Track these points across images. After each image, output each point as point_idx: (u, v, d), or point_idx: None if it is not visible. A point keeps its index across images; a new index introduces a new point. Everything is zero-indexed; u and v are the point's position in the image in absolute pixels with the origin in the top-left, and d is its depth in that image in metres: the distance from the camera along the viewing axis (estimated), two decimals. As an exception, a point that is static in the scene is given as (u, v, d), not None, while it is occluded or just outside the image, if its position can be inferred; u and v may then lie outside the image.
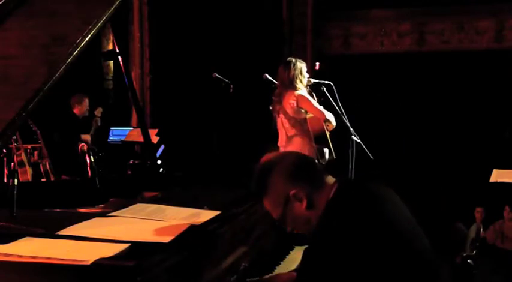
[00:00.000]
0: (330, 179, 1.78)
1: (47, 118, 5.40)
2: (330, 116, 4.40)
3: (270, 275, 2.13)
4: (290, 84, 4.45)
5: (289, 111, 4.48)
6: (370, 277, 1.55)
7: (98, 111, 6.48)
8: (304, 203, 1.73)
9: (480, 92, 6.74)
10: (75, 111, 6.27)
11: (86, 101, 6.35)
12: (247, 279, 2.02)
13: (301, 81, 4.48)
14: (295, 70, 4.46)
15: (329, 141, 4.50)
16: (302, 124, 4.50)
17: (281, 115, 4.56)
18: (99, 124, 6.48)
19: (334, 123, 4.42)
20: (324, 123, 4.42)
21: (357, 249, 1.56)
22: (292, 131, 4.52)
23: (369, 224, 1.60)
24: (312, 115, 4.47)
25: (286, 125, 4.54)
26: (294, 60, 4.53)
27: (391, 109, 6.99)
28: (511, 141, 6.56)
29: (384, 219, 1.64)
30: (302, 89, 4.48)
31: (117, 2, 2.41)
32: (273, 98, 4.63)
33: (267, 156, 1.86)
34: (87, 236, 1.72)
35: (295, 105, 4.44)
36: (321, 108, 4.43)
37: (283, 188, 1.75)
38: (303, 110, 4.49)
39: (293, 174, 1.75)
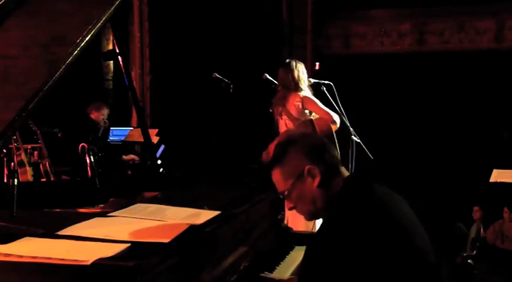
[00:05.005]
0: (344, 172, 1.86)
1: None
2: (336, 117, 4.36)
3: (282, 278, 2.14)
4: (295, 86, 4.42)
5: (294, 112, 4.43)
6: (374, 276, 1.57)
7: (105, 112, 6.45)
8: (317, 180, 1.78)
9: (480, 92, 6.74)
10: (92, 116, 6.24)
11: (105, 111, 6.30)
12: (260, 274, 2.06)
13: (304, 82, 4.46)
14: (298, 72, 4.43)
15: (336, 141, 4.45)
16: (307, 125, 4.45)
17: (284, 117, 4.49)
18: (107, 125, 6.45)
19: (338, 124, 4.38)
20: (330, 124, 4.38)
21: (360, 249, 1.58)
22: (296, 133, 4.48)
23: (374, 224, 1.63)
24: (317, 116, 4.44)
25: (291, 126, 4.50)
26: (294, 61, 4.48)
27: (391, 109, 6.99)
28: (510, 142, 6.56)
29: (388, 219, 1.67)
30: (306, 90, 4.45)
31: (117, 2, 2.41)
32: (273, 100, 4.59)
33: (292, 131, 1.95)
34: (87, 236, 1.72)
35: (300, 106, 4.39)
36: (327, 109, 4.39)
37: (300, 162, 1.80)
38: (307, 111, 4.45)
39: (312, 153, 1.81)
